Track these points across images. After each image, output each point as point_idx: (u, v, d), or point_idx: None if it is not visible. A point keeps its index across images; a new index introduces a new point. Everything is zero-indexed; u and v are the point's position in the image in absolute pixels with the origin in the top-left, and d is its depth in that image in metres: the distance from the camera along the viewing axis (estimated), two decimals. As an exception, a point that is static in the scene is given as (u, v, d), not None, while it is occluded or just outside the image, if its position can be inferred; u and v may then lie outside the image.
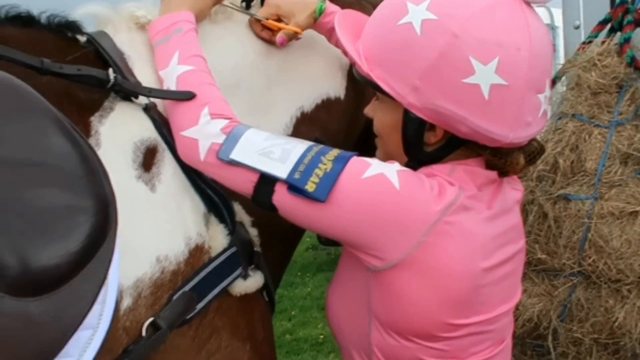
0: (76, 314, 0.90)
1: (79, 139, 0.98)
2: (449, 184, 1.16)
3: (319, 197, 1.12)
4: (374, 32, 1.24)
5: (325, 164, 1.15)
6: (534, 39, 1.13)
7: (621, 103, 1.82)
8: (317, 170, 1.14)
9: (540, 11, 1.37)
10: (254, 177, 1.17)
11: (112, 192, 0.98)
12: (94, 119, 1.18)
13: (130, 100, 1.24)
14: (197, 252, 1.21)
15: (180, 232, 1.20)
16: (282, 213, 1.20)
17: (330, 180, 1.12)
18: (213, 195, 1.27)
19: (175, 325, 1.13)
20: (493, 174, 1.24)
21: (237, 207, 1.32)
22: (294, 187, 1.14)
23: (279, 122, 1.48)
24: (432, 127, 1.18)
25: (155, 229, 1.17)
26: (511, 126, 1.15)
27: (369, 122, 1.73)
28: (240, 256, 1.27)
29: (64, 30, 1.26)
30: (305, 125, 1.53)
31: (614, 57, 1.84)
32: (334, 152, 1.18)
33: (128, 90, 1.22)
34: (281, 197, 1.16)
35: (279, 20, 1.48)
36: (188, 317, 1.16)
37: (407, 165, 1.20)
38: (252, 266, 1.31)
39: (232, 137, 1.19)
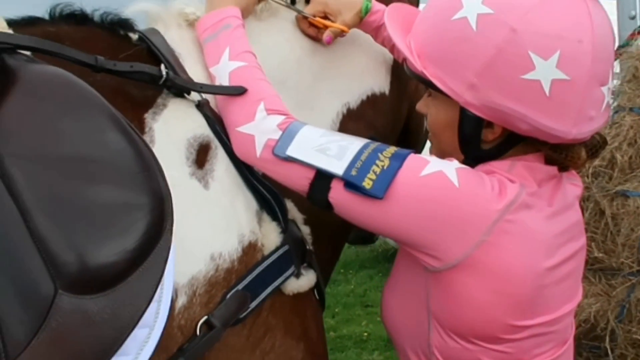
0: (134, 312, 0.90)
1: (134, 136, 0.98)
2: (509, 181, 1.12)
3: (376, 194, 1.09)
4: (426, 28, 1.20)
5: (382, 161, 1.12)
6: (596, 29, 1.08)
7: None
8: (374, 167, 1.11)
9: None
10: (310, 174, 1.15)
11: (168, 188, 0.98)
12: (147, 116, 1.18)
13: (183, 97, 1.24)
14: (250, 250, 1.20)
15: (233, 229, 1.19)
16: (337, 210, 1.17)
17: (387, 178, 1.10)
18: (265, 193, 1.25)
19: (229, 324, 1.13)
20: (553, 170, 1.19)
21: (290, 205, 1.31)
22: (351, 184, 1.11)
23: (326, 118, 1.47)
24: (490, 124, 1.14)
25: (209, 227, 1.17)
26: (574, 122, 1.10)
27: (410, 118, 1.73)
28: (293, 254, 1.25)
29: (117, 28, 1.26)
30: (352, 122, 1.52)
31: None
32: (391, 149, 1.15)
33: (180, 86, 1.22)
34: (337, 194, 1.14)
35: (325, 17, 1.46)
36: (242, 315, 1.15)
37: (463, 162, 1.17)
38: (305, 265, 1.30)
39: (288, 133, 1.17)
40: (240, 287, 1.16)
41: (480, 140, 1.16)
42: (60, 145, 0.91)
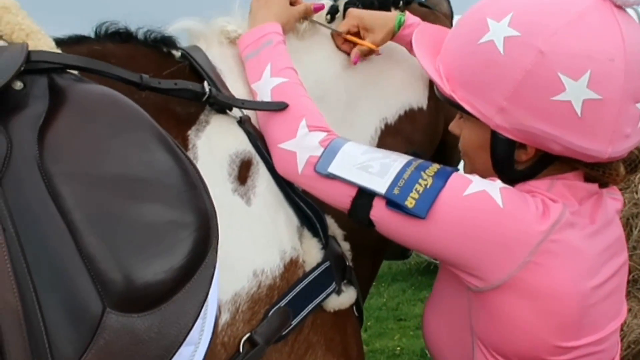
0: (180, 329, 0.90)
1: (180, 154, 0.98)
2: (551, 201, 1.10)
3: (418, 214, 1.08)
4: (454, 51, 1.19)
5: (425, 180, 1.10)
6: (628, 46, 1.04)
7: None
8: (417, 186, 1.10)
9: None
10: (352, 192, 1.15)
11: (213, 206, 0.98)
12: (191, 133, 1.19)
13: (225, 113, 1.24)
14: (291, 266, 1.20)
15: (275, 245, 1.20)
16: (379, 228, 1.16)
17: (430, 197, 1.08)
18: (306, 209, 1.25)
19: (272, 341, 1.12)
20: (594, 187, 1.17)
21: (330, 221, 1.31)
22: (393, 203, 1.10)
23: (364, 134, 1.47)
24: (523, 145, 1.13)
25: (252, 243, 1.17)
26: (609, 141, 1.07)
27: (446, 132, 1.72)
28: (334, 271, 1.25)
29: (160, 46, 1.28)
30: (390, 137, 1.52)
31: None
32: (434, 167, 1.14)
33: (222, 102, 1.23)
34: (379, 213, 1.13)
35: (358, 33, 1.47)
36: (284, 332, 1.14)
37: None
38: (345, 281, 1.29)
39: (330, 150, 1.17)
40: (282, 303, 1.16)
41: (514, 162, 1.15)
42: (108, 164, 0.92)
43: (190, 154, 1.16)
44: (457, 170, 1.14)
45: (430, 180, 1.10)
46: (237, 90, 1.30)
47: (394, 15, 1.48)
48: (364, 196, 1.14)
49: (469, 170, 1.26)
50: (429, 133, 1.65)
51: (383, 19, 1.47)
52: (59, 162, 0.91)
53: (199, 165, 1.10)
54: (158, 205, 0.93)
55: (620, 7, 1.08)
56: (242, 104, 1.26)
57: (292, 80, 1.28)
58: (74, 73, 1.04)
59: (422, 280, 6.11)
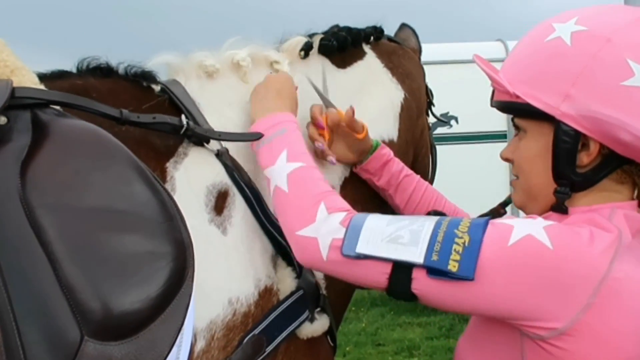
0: (156, 357, 0.93)
1: (158, 186, 1.02)
2: (605, 231, 1.05)
3: (466, 276, 1.01)
4: (516, 57, 1.18)
5: (461, 237, 1.03)
6: None
7: None
8: (455, 247, 1.03)
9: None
10: (387, 268, 1.07)
11: (190, 237, 1.01)
12: (169, 165, 1.23)
13: (203, 146, 1.28)
14: (266, 294, 1.23)
15: (250, 274, 1.23)
16: (424, 301, 1.08)
17: (473, 254, 1.01)
18: (280, 239, 1.29)
19: None
20: None
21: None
22: (435, 270, 1.03)
23: (337, 168, 1.52)
24: (586, 145, 1.09)
25: (227, 271, 1.20)
26: None
27: (414, 164, 1.77)
28: (308, 299, 1.29)
29: (140, 80, 1.32)
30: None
31: None
32: (466, 221, 1.07)
33: (200, 135, 1.26)
34: (422, 284, 1.05)
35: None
36: (258, 359, 1.17)
37: (556, 193, 1.12)
38: (318, 309, 1.32)
39: (352, 229, 1.10)
40: (256, 331, 1.19)
41: (576, 163, 1.10)
42: (88, 197, 0.95)
43: (168, 185, 1.20)
44: (491, 218, 1.09)
45: (467, 237, 1.03)
46: (215, 123, 1.34)
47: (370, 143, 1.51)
48: (401, 270, 1.06)
49: (520, 193, 1.21)
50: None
51: (363, 142, 1.49)
52: (40, 194, 0.94)
53: (176, 196, 1.14)
54: (136, 237, 0.96)
55: None
56: (219, 136, 1.30)
57: (308, 164, 1.25)
58: (56, 108, 1.07)
59: (401, 305, 6.13)
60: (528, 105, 1.11)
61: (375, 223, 1.11)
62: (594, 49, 1.05)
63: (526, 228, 1.03)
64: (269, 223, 1.29)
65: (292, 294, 1.26)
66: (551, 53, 1.10)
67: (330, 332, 1.38)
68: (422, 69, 1.92)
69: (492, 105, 1.23)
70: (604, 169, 1.10)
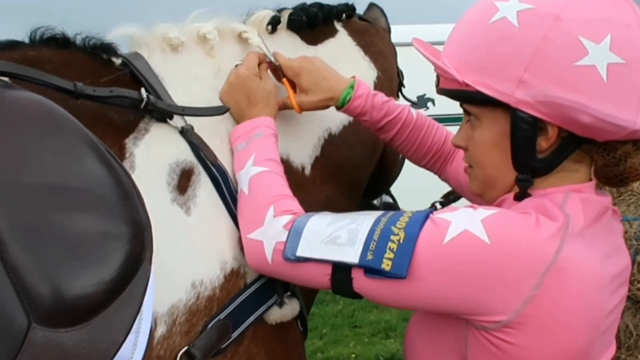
0: (110, 344, 0.87)
1: (113, 163, 0.96)
2: (550, 219, 1.01)
3: (398, 274, 1.00)
4: (460, 40, 1.11)
5: (397, 235, 1.02)
6: (639, 16, 1.02)
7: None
8: (390, 244, 1.01)
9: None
10: (327, 270, 1.07)
11: (148, 216, 0.95)
12: (128, 141, 1.16)
13: (166, 122, 1.22)
14: (232, 277, 1.18)
15: (215, 256, 1.18)
16: (368, 298, 1.08)
17: (406, 252, 1.00)
18: (248, 219, 1.23)
19: (210, 354, 1.10)
20: (608, 201, 1.11)
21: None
22: (370, 270, 1.02)
23: (308, 143, 1.48)
24: (543, 130, 1.04)
25: (190, 253, 1.15)
26: (636, 109, 1.00)
27: (387, 145, 1.72)
28: (277, 283, 1.24)
29: (99, 52, 1.25)
30: (333, 147, 1.53)
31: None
32: (405, 217, 1.05)
33: (162, 110, 1.21)
34: (361, 284, 1.05)
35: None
36: (223, 345, 1.13)
37: (517, 180, 1.08)
38: (288, 293, 1.28)
39: (294, 232, 1.11)
40: (222, 316, 1.14)
41: (536, 149, 1.06)
42: (37, 174, 0.89)
43: (126, 162, 1.13)
44: (433, 210, 1.07)
45: (402, 234, 1.02)
46: (180, 98, 1.28)
47: (342, 86, 1.41)
48: (341, 271, 1.06)
49: (477, 182, 1.17)
50: (371, 146, 1.67)
51: (328, 83, 1.40)
52: (-16, 171, 0.88)
53: (136, 174, 1.09)
54: (89, 216, 0.90)
55: None
56: (183, 111, 1.24)
57: (272, 169, 1.25)
58: (3, 79, 1.00)
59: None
60: (479, 93, 1.05)
61: (316, 225, 1.10)
62: (544, 29, 1.00)
63: (463, 223, 1.00)
64: (236, 203, 1.23)
65: (260, 277, 1.21)
66: (498, 36, 1.04)
67: (301, 316, 1.34)
68: (394, 49, 1.88)
69: (438, 92, 1.16)
70: (563, 151, 1.06)
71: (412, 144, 1.50)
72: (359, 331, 5.27)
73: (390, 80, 1.77)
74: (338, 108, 1.43)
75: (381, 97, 1.45)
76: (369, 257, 1.02)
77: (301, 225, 1.11)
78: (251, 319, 1.17)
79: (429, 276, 1.00)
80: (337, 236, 1.06)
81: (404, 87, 1.94)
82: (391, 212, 1.09)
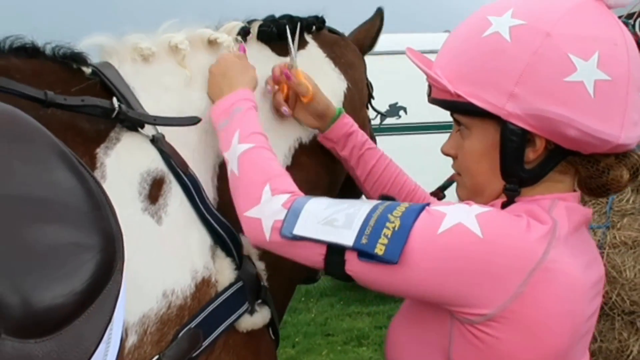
0: (81, 355, 0.87)
1: (84, 173, 0.95)
2: (540, 222, 1.05)
3: (390, 259, 1.02)
4: (453, 52, 1.15)
5: (392, 222, 1.05)
6: (627, 35, 1.07)
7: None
8: (385, 231, 1.04)
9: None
10: (322, 250, 1.10)
11: (119, 227, 0.95)
12: (99, 151, 1.16)
13: (137, 131, 1.22)
14: (203, 286, 1.19)
15: (186, 265, 1.18)
16: (359, 281, 1.11)
17: (400, 239, 1.03)
18: (219, 229, 1.24)
19: None
20: (589, 212, 1.15)
21: (245, 241, 1.30)
22: (363, 253, 1.05)
23: (278, 153, 1.48)
24: (531, 141, 1.08)
25: (162, 262, 1.15)
26: (620, 124, 1.05)
27: None
28: (247, 291, 1.24)
29: (69, 62, 1.24)
30: (305, 156, 1.54)
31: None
32: (402, 207, 1.08)
33: (133, 119, 1.21)
34: (353, 266, 1.08)
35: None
36: (194, 354, 1.13)
37: (505, 190, 1.13)
38: (259, 301, 1.28)
39: (293, 211, 1.14)
40: (193, 324, 1.14)
41: (523, 160, 1.10)
42: (6, 185, 0.88)
43: (97, 172, 1.13)
44: (429, 205, 1.09)
45: (397, 222, 1.05)
46: (152, 108, 1.28)
47: (332, 111, 1.53)
48: (335, 252, 1.09)
49: (465, 189, 1.21)
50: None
51: (325, 107, 1.52)
52: (-48, 181, 0.87)
53: (107, 184, 1.09)
54: (59, 227, 0.90)
55: (610, 8, 1.10)
56: (154, 120, 1.24)
57: (258, 144, 1.26)
58: (-28, 89, 1.00)
59: (351, 295, 6.15)
60: (470, 104, 1.09)
61: (314, 206, 1.13)
62: (535, 45, 1.04)
63: (458, 215, 1.03)
64: (208, 212, 1.24)
65: (230, 285, 1.22)
66: (491, 49, 1.08)
67: (272, 325, 1.34)
68: (364, 61, 1.90)
69: (430, 102, 1.20)
70: (550, 162, 1.10)
71: (373, 182, 1.57)
72: (332, 339, 5.27)
73: (360, 92, 1.79)
74: (323, 131, 1.53)
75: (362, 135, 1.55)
76: (364, 240, 1.05)
77: (299, 206, 1.14)
78: (222, 327, 1.17)
79: (420, 264, 1.02)
80: (335, 219, 1.10)
81: (373, 98, 1.96)
82: (388, 202, 1.12)
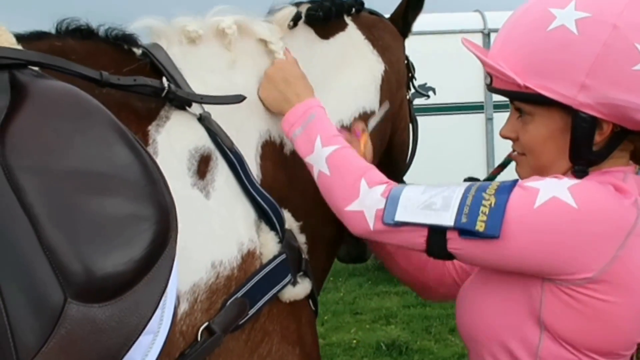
0: (140, 319, 0.93)
1: (140, 149, 1.01)
2: (623, 192, 1.13)
3: (492, 234, 1.09)
4: (518, 45, 1.20)
5: (488, 200, 1.12)
6: None
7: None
8: (482, 208, 1.11)
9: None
10: (424, 232, 1.17)
11: (172, 200, 1.01)
12: (151, 128, 1.22)
13: (185, 110, 1.27)
14: (249, 258, 1.24)
15: (233, 237, 1.23)
16: (461, 259, 1.20)
17: (499, 214, 1.10)
18: (263, 204, 1.29)
19: (229, 330, 1.16)
20: None
21: (287, 215, 1.35)
22: (465, 231, 1.12)
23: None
24: (599, 126, 1.16)
25: (210, 235, 1.20)
26: None
27: (392, 136, 1.78)
28: (290, 263, 1.29)
29: (121, 43, 1.29)
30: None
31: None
32: (494, 185, 1.15)
33: (181, 98, 1.25)
34: (455, 244, 1.15)
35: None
36: (241, 322, 1.18)
37: (573, 171, 1.20)
38: (301, 273, 1.33)
39: (392, 200, 1.21)
40: (239, 294, 1.19)
41: (592, 144, 1.17)
42: (69, 160, 0.94)
43: (150, 148, 1.19)
44: (517, 181, 1.16)
45: (493, 199, 1.11)
46: (197, 87, 1.32)
47: None
48: (436, 233, 1.16)
49: (527, 168, 1.27)
50: (379, 136, 1.71)
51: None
52: (20, 156, 0.93)
53: (158, 160, 1.13)
54: (118, 199, 0.96)
55: None
56: (201, 99, 1.29)
57: (341, 145, 1.34)
58: (35, 69, 1.05)
59: (379, 275, 6.20)
60: (539, 95, 1.15)
61: (411, 192, 1.20)
62: (603, 37, 1.10)
63: (552, 190, 1.11)
64: (252, 188, 1.29)
65: (274, 257, 1.27)
66: (559, 43, 1.14)
67: (312, 296, 1.40)
68: (402, 41, 1.92)
69: (490, 91, 1.27)
70: (615, 143, 1.18)
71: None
72: (360, 318, 5.34)
73: (397, 73, 1.81)
74: None
75: None
76: (464, 219, 1.12)
77: (397, 194, 1.21)
78: (267, 297, 1.23)
79: (521, 236, 1.09)
80: (432, 202, 1.16)
81: (415, 79, 1.99)
82: (478, 182, 1.20)
